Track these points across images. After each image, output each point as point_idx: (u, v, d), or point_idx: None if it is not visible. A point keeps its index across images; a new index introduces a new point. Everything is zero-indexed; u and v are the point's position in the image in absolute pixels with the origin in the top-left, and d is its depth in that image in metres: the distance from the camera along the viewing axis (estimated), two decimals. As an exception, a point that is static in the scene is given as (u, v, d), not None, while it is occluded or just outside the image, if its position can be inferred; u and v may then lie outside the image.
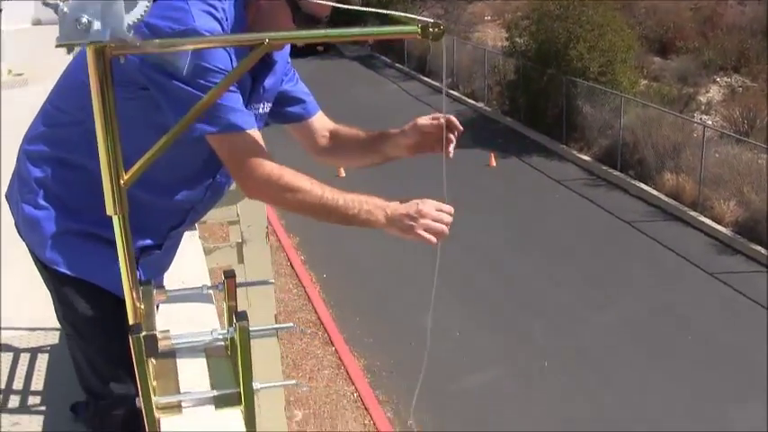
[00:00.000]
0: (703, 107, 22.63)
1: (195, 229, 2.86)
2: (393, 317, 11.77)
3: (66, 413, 3.02)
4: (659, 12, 27.92)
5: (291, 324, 2.44)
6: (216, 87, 1.83)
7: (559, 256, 14.12)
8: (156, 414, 1.71)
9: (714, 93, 24.11)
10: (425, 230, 2.23)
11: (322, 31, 1.69)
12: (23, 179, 2.36)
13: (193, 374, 1.84)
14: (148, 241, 2.38)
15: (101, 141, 1.53)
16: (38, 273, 2.40)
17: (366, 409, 10.14)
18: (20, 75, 8.47)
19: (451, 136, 2.42)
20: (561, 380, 10.56)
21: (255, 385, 1.75)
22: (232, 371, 1.80)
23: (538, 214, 16.12)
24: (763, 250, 13.96)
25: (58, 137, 2.32)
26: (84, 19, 1.38)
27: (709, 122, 19.74)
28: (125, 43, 1.43)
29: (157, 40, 1.76)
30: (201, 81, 2.04)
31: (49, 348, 3.53)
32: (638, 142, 17.75)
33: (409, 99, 24.74)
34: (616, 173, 17.95)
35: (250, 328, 1.70)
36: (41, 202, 2.30)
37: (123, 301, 1.74)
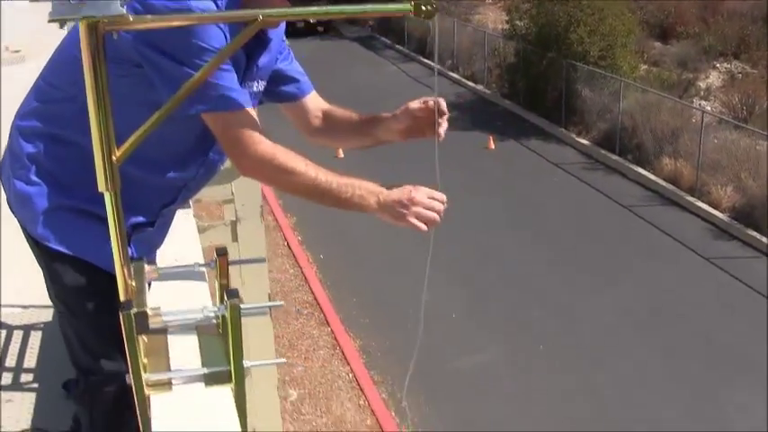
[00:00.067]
0: (702, 93, 22.60)
1: (190, 206, 2.85)
2: (390, 298, 11.78)
3: (59, 390, 3.03)
4: (660, -4, 27.86)
5: (281, 302, 2.44)
6: (208, 64, 1.82)
7: (556, 238, 14.13)
8: (146, 391, 1.71)
9: (714, 78, 24.07)
10: (417, 218, 2.24)
11: (314, 8, 1.69)
12: (15, 155, 2.34)
13: (184, 352, 1.83)
14: (140, 218, 2.37)
15: (93, 117, 1.53)
16: (30, 249, 2.40)
17: (361, 389, 10.17)
18: (17, 51, 8.45)
19: (441, 120, 2.41)
20: (555, 363, 10.58)
21: (246, 363, 1.74)
22: (223, 349, 1.79)
23: (536, 197, 16.12)
24: (759, 236, 13.98)
25: (50, 113, 2.31)
26: (77, -7, 1.37)
27: (708, 108, 19.71)
28: (118, 19, 1.43)
29: (150, 16, 1.75)
30: (195, 60, 2.03)
31: (42, 326, 3.54)
32: (637, 127, 17.74)
33: (408, 80, 24.70)
34: (614, 157, 17.93)
35: (241, 306, 1.70)
36: (33, 178, 2.29)
37: (115, 278, 1.74)
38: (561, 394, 9.95)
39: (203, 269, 2.21)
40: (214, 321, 1.89)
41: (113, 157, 1.56)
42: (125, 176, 1.61)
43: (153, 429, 1.65)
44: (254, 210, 5.50)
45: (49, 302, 2.47)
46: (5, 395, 3.12)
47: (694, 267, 13.25)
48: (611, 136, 18.46)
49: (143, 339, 1.75)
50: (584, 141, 19.03)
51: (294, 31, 29.01)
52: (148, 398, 1.71)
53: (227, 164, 2.48)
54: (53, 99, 2.31)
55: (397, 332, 10.55)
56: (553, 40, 20.50)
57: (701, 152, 15.78)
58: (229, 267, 2.00)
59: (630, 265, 13.23)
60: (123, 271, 1.73)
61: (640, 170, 17.13)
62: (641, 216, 15.28)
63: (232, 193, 5.39)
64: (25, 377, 3.23)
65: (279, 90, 2.60)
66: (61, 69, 2.29)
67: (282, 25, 2.47)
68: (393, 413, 9.66)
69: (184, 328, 1.89)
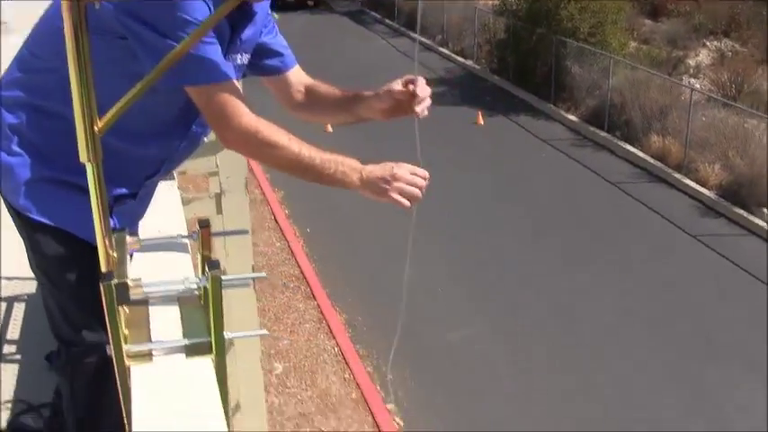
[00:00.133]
0: (692, 71, 22.62)
1: (174, 178, 2.85)
2: (376, 273, 11.79)
3: (42, 362, 3.04)
4: (651, -27, 27.80)
5: (264, 274, 2.45)
6: (191, 36, 1.81)
7: (544, 215, 14.16)
8: (127, 362, 1.72)
9: (703, 57, 24.08)
10: (399, 194, 2.25)
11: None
12: (-3, 125, 2.33)
13: (165, 323, 1.84)
14: (123, 190, 2.37)
15: (75, 88, 1.52)
16: (11, 221, 2.40)
17: (346, 363, 10.20)
18: (4, 23, 8.37)
19: (423, 98, 2.40)
20: (540, 339, 10.64)
21: (227, 335, 1.75)
22: (204, 320, 1.80)
23: (524, 173, 16.13)
24: (745, 214, 14.05)
25: (33, 83, 2.30)
26: (57, -38, 1.36)
27: (697, 86, 19.72)
28: (99, -12, 1.42)
29: (132, -14, 1.74)
30: (178, 32, 2.01)
31: (26, 298, 3.54)
32: (626, 104, 17.75)
33: (398, 55, 24.61)
34: (603, 134, 17.95)
35: (222, 278, 1.70)
36: (15, 148, 2.28)
37: (96, 249, 1.74)
38: (546, 366, 10.02)
39: (186, 241, 2.21)
40: (196, 293, 1.89)
41: (95, 128, 1.55)
42: (107, 148, 1.61)
43: (133, 400, 1.66)
44: (238, 182, 5.50)
45: (32, 275, 2.47)
46: (-11, 366, 3.13)
47: (681, 244, 13.31)
48: (599, 113, 18.47)
49: (124, 310, 1.76)
50: (573, 118, 19.03)
51: (284, 4, 29.04)
52: (129, 369, 1.72)
53: (212, 136, 2.48)
54: (36, 69, 2.30)
55: (383, 307, 10.57)
56: (543, 16, 20.46)
57: (690, 130, 15.81)
58: (213, 239, 2.01)
59: (617, 242, 13.28)
60: (105, 242, 1.72)
61: (629, 147, 17.15)
62: (629, 193, 15.32)
63: (216, 166, 5.38)
64: (8, 348, 3.23)
65: (262, 63, 2.59)
66: (44, 40, 2.27)
67: (267, -1, 2.46)
68: (378, 387, 9.70)
69: (166, 300, 1.90)
